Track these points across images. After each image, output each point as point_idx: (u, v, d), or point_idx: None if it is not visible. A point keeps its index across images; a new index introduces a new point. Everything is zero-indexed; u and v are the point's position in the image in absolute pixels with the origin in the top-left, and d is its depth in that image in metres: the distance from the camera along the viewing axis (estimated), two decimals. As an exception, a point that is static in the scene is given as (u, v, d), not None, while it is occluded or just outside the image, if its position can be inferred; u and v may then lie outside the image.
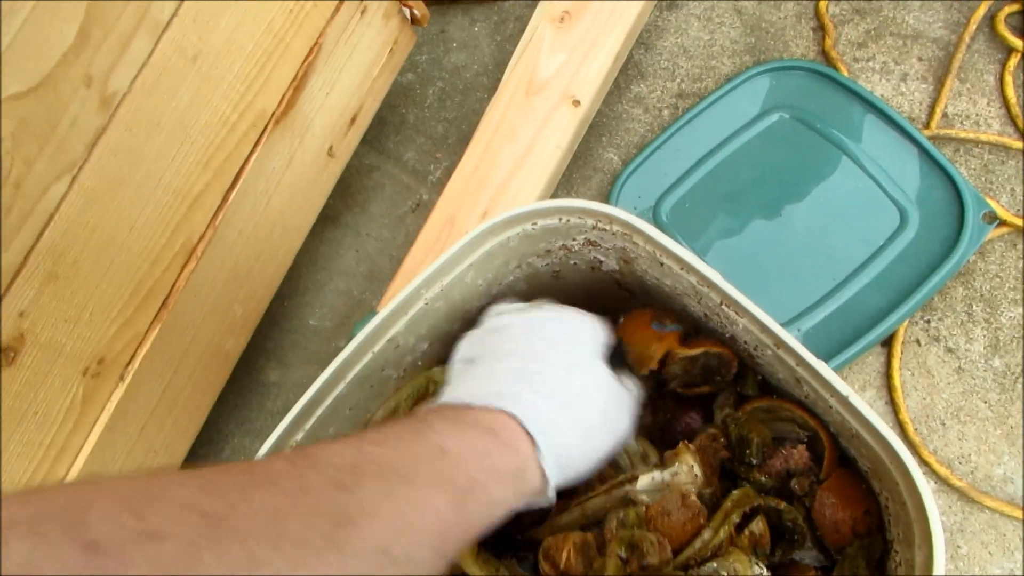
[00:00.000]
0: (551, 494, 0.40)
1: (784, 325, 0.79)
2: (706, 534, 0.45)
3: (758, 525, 0.46)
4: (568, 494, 0.49)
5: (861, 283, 0.79)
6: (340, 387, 0.50)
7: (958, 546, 0.74)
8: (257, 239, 0.76)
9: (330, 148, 0.81)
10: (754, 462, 0.49)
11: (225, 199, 0.71)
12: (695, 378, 0.52)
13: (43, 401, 0.60)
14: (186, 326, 0.71)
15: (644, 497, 0.47)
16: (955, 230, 0.79)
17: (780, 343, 0.45)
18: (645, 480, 0.47)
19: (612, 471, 0.50)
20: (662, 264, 0.48)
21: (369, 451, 0.33)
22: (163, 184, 0.64)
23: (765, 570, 0.45)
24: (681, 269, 0.47)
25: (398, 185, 0.95)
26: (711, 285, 0.46)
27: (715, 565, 0.44)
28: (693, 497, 0.46)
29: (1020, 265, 0.80)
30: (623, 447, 0.49)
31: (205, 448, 0.85)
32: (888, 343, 0.80)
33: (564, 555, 0.46)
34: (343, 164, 0.85)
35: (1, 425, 0.56)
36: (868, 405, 0.42)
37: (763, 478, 0.49)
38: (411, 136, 0.97)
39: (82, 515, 0.24)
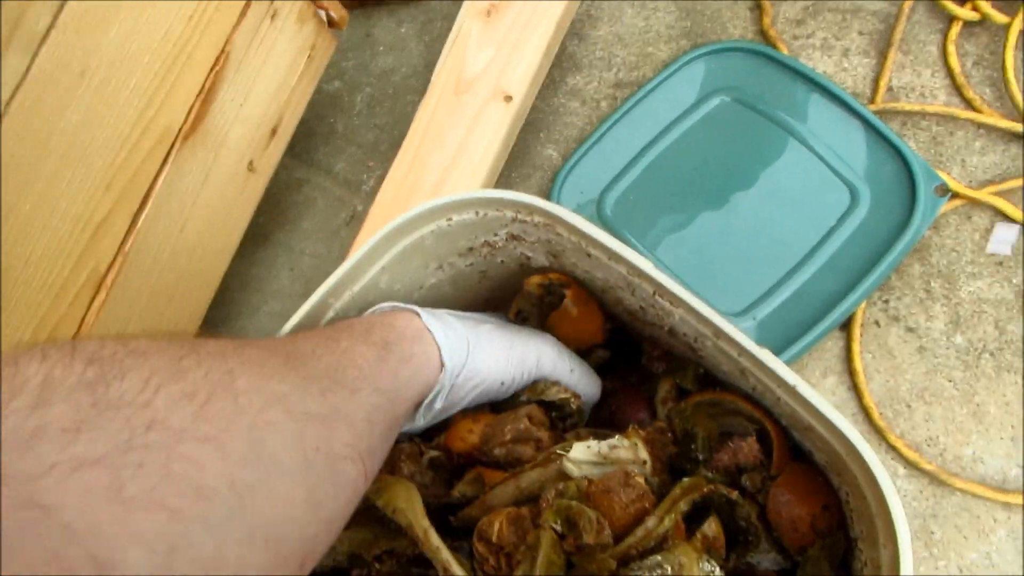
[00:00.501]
0: (446, 356, 0.43)
1: (738, 315, 0.76)
2: (650, 521, 0.41)
3: (711, 527, 0.42)
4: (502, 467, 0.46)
5: (815, 267, 0.76)
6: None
7: (932, 532, 0.71)
8: (176, 264, 0.71)
9: (250, 163, 0.77)
10: (700, 457, 0.45)
11: (134, 224, 0.66)
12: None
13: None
14: (100, 360, 0.66)
15: (578, 469, 0.43)
16: (908, 206, 0.76)
17: (719, 332, 0.41)
18: (579, 449, 0.43)
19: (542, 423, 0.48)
20: (589, 255, 0.44)
21: (299, 333, 0.42)
22: (59, 211, 0.59)
23: (717, 568, 0.41)
24: (609, 259, 0.43)
25: (330, 198, 0.91)
26: (642, 275, 0.42)
27: (659, 559, 0.40)
28: (639, 478, 0.42)
29: (976, 238, 0.77)
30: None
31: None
32: (847, 327, 0.77)
33: (496, 527, 0.42)
34: (267, 179, 0.81)
35: None
36: (827, 393, 0.38)
37: (711, 474, 0.45)
38: (341, 146, 0.93)
39: (80, 345, 0.29)
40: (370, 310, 0.47)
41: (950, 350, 0.75)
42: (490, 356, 0.46)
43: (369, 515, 0.43)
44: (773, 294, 0.76)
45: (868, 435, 0.74)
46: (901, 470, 0.73)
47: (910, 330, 0.76)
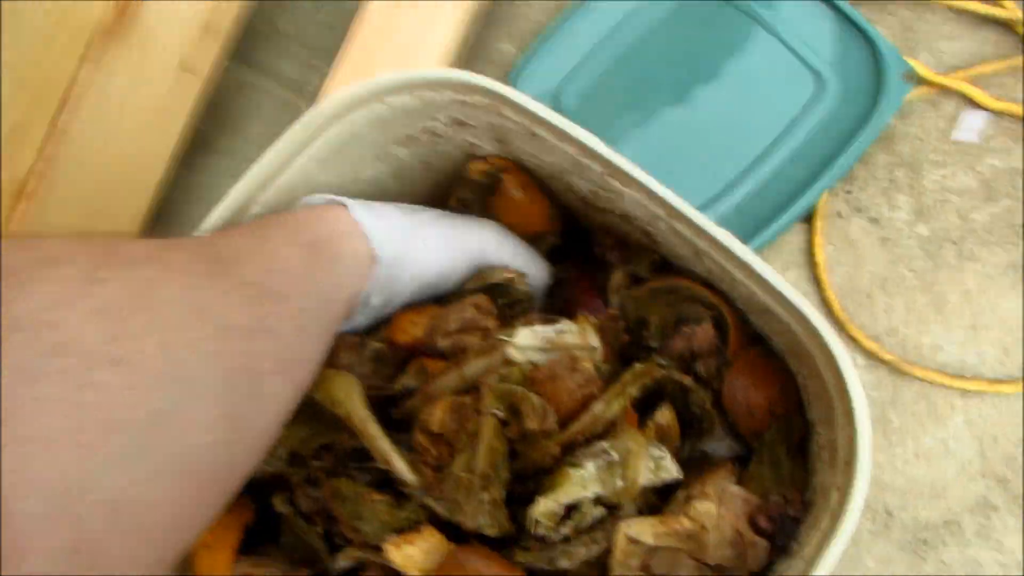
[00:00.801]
0: (378, 248, 0.41)
1: (701, 208, 0.74)
2: (597, 406, 0.39)
3: (664, 415, 0.41)
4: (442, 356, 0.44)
5: (779, 157, 0.74)
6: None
7: (890, 420, 0.72)
8: (107, 170, 0.67)
9: (182, 62, 0.72)
10: (653, 344, 0.44)
11: (54, 126, 0.61)
12: None
13: None
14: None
15: (523, 356, 0.41)
16: (874, 93, 0.74)
17: (673, 212, 0.39)
18: (525, 334, 0.41)
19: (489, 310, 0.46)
20: (535, 135, 0.42)
21: (228, 230, 0.41)
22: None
23: (667, 455, 0.39)
24: (557, 139, 0.41)
25: (276, 101, 0.86)
26: (591, 154, 0.40)
27: (605, 444, 0.38)
28: (586, 363, 0.40)
29: (942, 125, 0.75)
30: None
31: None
32: (809, 218, 0.75)
33: (437, 417, 0.41)
34: (204, 80, 0.76)
35: None
36: (788, 283, 0.36)
37: (664, 361, 0.43)
38: (285, 46, 0.88)
39: None
40: (300, 201, 0.44)
41: (912, 240, 0.74)
42: (428, 244, 0.44)
43: (308, 411, 0.41)
44: (736, 187, 0.74)
45: (829, 328, 0.74)
46: (861, 361, 0.73)
47: (873, 221, 0.75)
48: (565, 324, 0.41)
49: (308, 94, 0.85)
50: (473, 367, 0.41)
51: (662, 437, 0.41)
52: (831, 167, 0.72)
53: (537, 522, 0.38)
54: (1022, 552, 0.69)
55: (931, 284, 0.73)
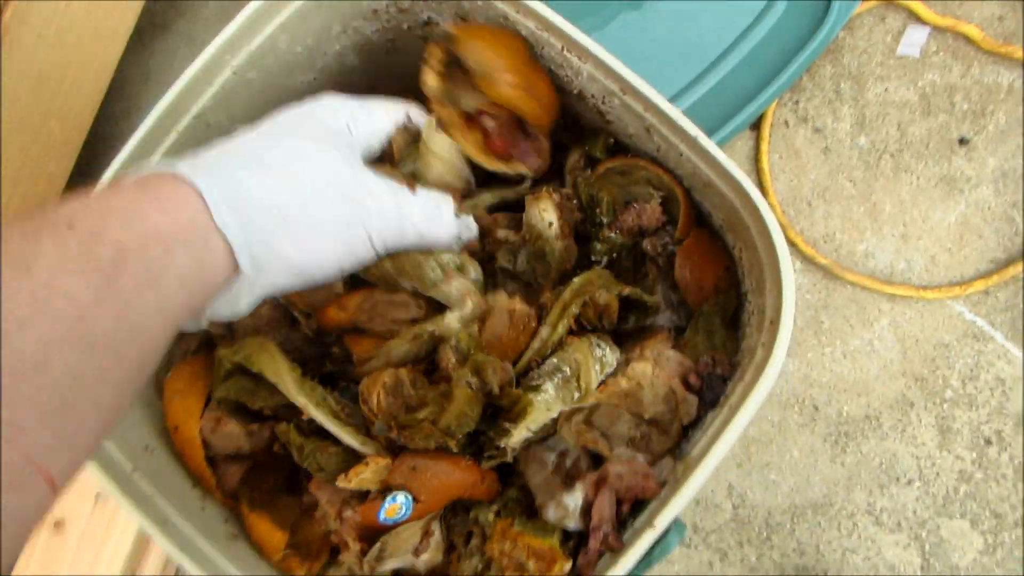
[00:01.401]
0: (245, 263, 0.33)
1: (653, 113, 0.76)
2: (543, 332, 0.42)
3: (602, 296, 0.44)
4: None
5: (729, 66, 0.76)
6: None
7: (821, 321, 0.76)
8: (63, 44, 0.67)
9: (141, -63, 0.71)
10: (604, 220, 0.46)
11: (10, -4, 0.61)
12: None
13: None
14: (-12, 143, 0.62)
15: (458, 327, 0.43)
16: (823, 4, 0.76)
17: (627, 87, 0.41)
18: (453, 317, 0.42)
19: (417, 301, 0.45)
20: (496, 11, 0.43)
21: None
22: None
23: (608, 349, 0.43)
24: (518, 12, 0.42)
25: (233, -14, 0.85)
26: (550, 27, 0.41)
27: (555, 360, 0.42)
28: (518, 306, 0.42)
29: (888, 40, 0.78)
30: (435, 258, 0.43)
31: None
32: (757, 126, 0.78)
33: (374, 399, 0.42)
34: (161, -41, 0.75)
35: None
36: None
37: (613, 235, 0.46)
38: (244, -70, 0.86)
39: None
40: (136, 172, 0.33)
41: (853, 151, 0.77)
42: (320, 230, 0.36)
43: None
44: (687, 92, 0.76)
45: (770, 231, 0.77)
46: (798, 264, 0.77)
47: (817, 131, 0.78)
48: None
49: (268, -17, 0.85)
50: (399, 352, 0.43)
51: (601, 315, 0.44)
52: (779, 77, 0.74)
53: (512, 448, 0.41)
54: (936, 446, 0.75)
55: (868, 194, 0.77)
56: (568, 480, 0.44)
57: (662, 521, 0.38)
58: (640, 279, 0.47)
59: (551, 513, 0.43)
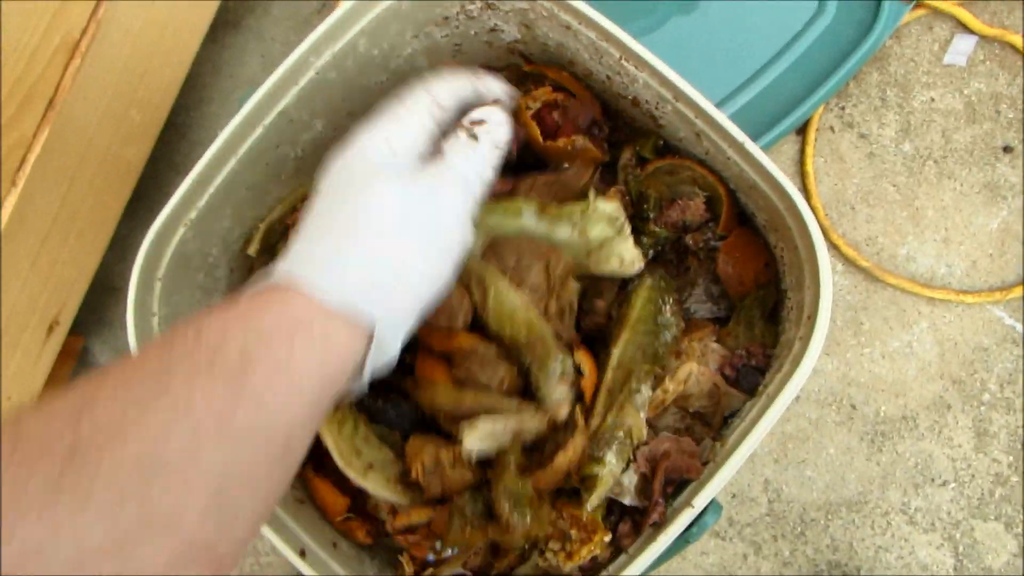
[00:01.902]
0: (369, 316, 0.35)
1: (701, 116, 0.79)
2: (593, 423, 0.45)
3: (642, 370, 0.46)
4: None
5: (778, 70, 0.78)
6: (231, 163, 0.48)
7: (861, 322, 0.78)
8: (146, 38, 0.71)
9: (218, -61, 0.75)
10: (651, 215, 0.49)
11: (105, -9, 0.65)
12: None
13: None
14: (79, 130, 0.67)
15: (475, 441, 0.44)
16: (872, 13, 0.77)
17: (679, 95, 0.44)
18: (484, 428, 0.43)
19: (510, 373, 0.46)
20: (559, 21, 0.46)
21: (113, 373, 0.30)
22: (28, -31, 0.58)
23: (646, 385, 0.45)
24: (580, 23, 0.45)
25: (302, -14, 0.89)
26: (610, 38, 0.44)
27: (610, 426, 0.44)
28: (572, 450, 0.43)
29: (935, 48, 0.80)
30: (563, 358, 0.45)
31: (120, 265, 0.83)
32: (803, 131, 0.80)
33: (415, 471, 0.45)
34: (236, -40, 0.79)
35: None
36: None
37: (658, 228, 0.49)
38: (313, -68, 0.90)
39: None
40: (249, 287, 0.36)
41: (897, 156, 0.79)
42: (422, 275, 0.37)
43: None
44: (736, 96, 0.78)
45: (813, 233, 0.79)
46: (839, 266, 0.78)
47: (862, 136, 0.80)
48: (527, 415, 0.45)
49: (334, -18, 0.89)
50: (442, 400, 0.46)
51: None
52: (826, 83, 0.76)
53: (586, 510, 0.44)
54: (972, 448, 0.76)
55: (911, 199, 0.78)
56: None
57: (701, 501, 0.41)
58: (682, 272, 0.50)
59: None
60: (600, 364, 0.47)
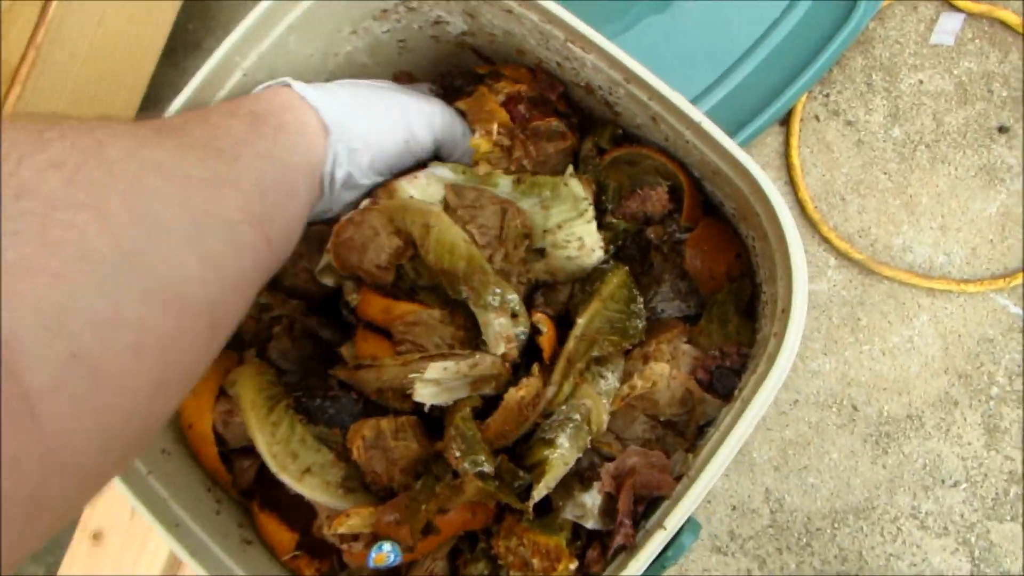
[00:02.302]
0: (331, 121, 0.42)
1: (678, 111, 0.76)
2: (549, 392, 0.42)
3: (605, 348, 0.43)
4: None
5: (755, 61, 0.75)
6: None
7: (858, 318, 0.74)
8: (97, 61, 0.69)
9: (170, -44, 0.73)
10: (609, 207, 0.46)
11: (43, 16, 0.63)
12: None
13: None
14: (23, 158, 0.64)
15: (427, 390, 0.41)
16: (852, -4, 0.74)
17: (631, 76, 0.41)
18: (435, 370, 0.41)
19: (454, 329, 0.44)
20: (501, 6, 0.43)
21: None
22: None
23: (612, 373, 0.42)
24: (521, 6, 0.42)
25: (263, 2, 0.87)
26: (553, 19, 0.41)
27: (564, 409, 0.41)
28: (521, 390, 0.41)
29: (920, 29, 0.76)
30: (503, 290, 0.43)
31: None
32: (786, 121, 0.76)
33: (355, 451, 0.42)
34: (191, -24, 0.77)
35: None
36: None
37: (615, 220, 0.45)
38: (272, -53, 0.88)
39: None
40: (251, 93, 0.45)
41: (887, 143, 0.75)
42: (377, 111, 0.45)
43: None
44: (715, 89, 0.74)
45: (801, 228, 0.75)
46: (833, 261, 0.75)
47: (849, 124, 0.76)
48: (478, 356, 0.41)
49: (296, -4, 0.86)
50: (389, 373, 0.43)
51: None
52: (808, 70, 0.73)
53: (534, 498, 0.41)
54: (983, 445, 0.72)
55: (903, 186, 0.75)
56: (585, 480, 0.43)
57: (673, 521, 0.37)
58: (646, 269, 0.46)
59: (569, 512, 0.42)
60: (563, 336, 0.44)
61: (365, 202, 0.45)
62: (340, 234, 0.44)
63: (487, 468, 0.40)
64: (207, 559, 0.41)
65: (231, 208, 0.34)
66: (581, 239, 0.43)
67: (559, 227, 0.43)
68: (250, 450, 0.44)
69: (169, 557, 0.68)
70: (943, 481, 0.72)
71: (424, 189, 0.45)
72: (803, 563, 0.74)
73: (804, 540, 0.74)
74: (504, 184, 0.45)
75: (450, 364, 0.41)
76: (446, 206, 0.44)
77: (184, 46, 0.84)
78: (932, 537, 0.72)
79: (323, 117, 0.42)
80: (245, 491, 0.47)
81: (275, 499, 0.44)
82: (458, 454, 0.39)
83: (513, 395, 0.41)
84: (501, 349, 0.41)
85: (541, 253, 0.45)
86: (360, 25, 0.48)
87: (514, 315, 0.42)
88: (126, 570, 0.68)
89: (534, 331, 0.43)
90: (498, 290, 0.42)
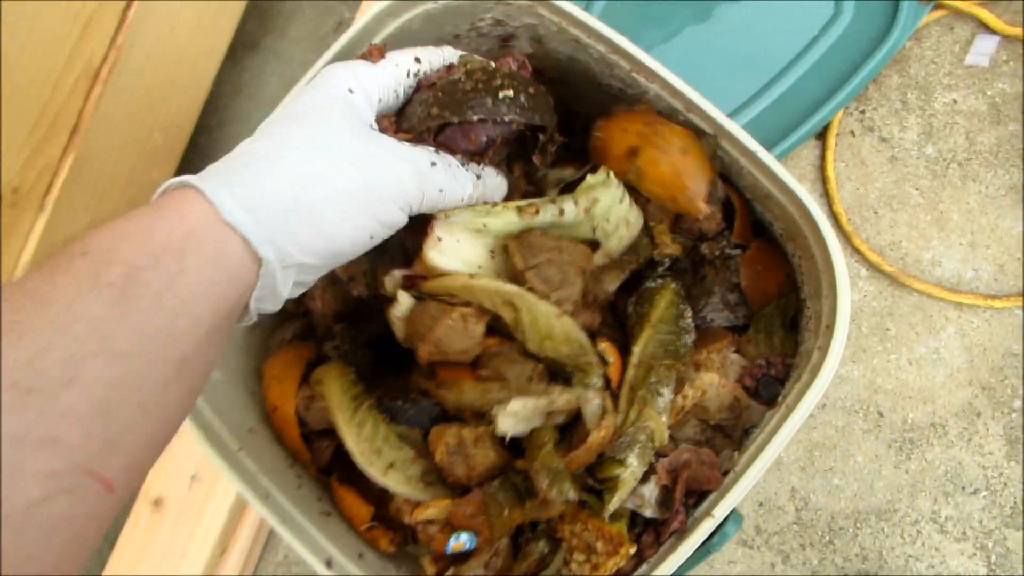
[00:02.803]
0: (266, 253, 0.33)
1: (719, 124, 0.79)
2: (618, 419, 0.45)
3: (660, 371, 0.47)
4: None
5: (796, 75, 0.78)
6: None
7: (887, 328, 0.77)
8: (167, 63, 0.73)
9: (236, -37, 0.77)
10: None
11: (123, 19, 0.67)
12: None
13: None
14: (104, 154, 0.68)
15: (508, 422, 0.44)
16: (890, 15, 0.77)
17: (691, 106, 0.44)
18: (515, 405, 0.44)
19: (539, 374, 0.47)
20: (569, 35, 0.46)
21: (12, 291, 0.29)
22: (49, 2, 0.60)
23: (667, 387, 0.45)
24: (589, 38, 0.45)
25: (318, 5, 0.90)
26: (619, 51, 0.44)
27: (632, 431, 0.44)
28: (605, 429, 0.44)
29: (956, 49, 0.79)
30: (597, 369, 0.46)
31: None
32: (822, 135, 0.79)
33: (438, 455, 0.46)
34: (254, -18, 0.81)
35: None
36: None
37: (674, 236, 0.49)
38: (329, -47, 0.91)
39: None
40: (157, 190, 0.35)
41: (920, 160, 0.78)
42: (329, 211, 0.35)
43: None
44: (754, 102, 0.77)
45: (835, 239, 0.78)
46: (864, 272, 0.78)
47: (883, 140, 0.79)
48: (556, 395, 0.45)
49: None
50: (469, 394, 0.46)
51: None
52: (845, 86, 0.75)
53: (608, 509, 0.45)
54: (1003, 456, 0.75)
55: (935, 202, 0.77)
56: (643, 475, 0.47)
57: (721, 511, 0.41)
58: (698, 280, 0.50)
59: (629, 502, 0.46)
60: (622, 364, 0.47)
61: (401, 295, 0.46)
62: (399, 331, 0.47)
63: (572, 496, 0.43)
64: (294, 528, 0.46)
65: (40, 473, 0.26)
66: (626, 219, 0.47)
67: (607, 220, 0.46)
68: (328, 432, 0.48)
69: (224, 527, 0.71)
70: (963, 488, 0.75)
71: (457, 251, 0.45)
72: (825, 560, 0.77)
73: (827, 538, 0.77)
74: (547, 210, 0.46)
75: (529, 402, 0.44)
76: (512, 271, 0.45)
77: (243, 46, 0.88)
78: (951, 541, 0.75)
79: (251, 243, 0.32)
80: (323, 468, 0.51)
81: (352, 475, 0.48)
82: (545, 484, 0.42)
83: (596, 437, 0.44)
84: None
85: (596, 246, 0.48)
86: (435, 47, 0.52)
87: (602, 388, 0.46)
88: (183, 538, 0.72)
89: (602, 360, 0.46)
90: (599, 371, 0.45)
